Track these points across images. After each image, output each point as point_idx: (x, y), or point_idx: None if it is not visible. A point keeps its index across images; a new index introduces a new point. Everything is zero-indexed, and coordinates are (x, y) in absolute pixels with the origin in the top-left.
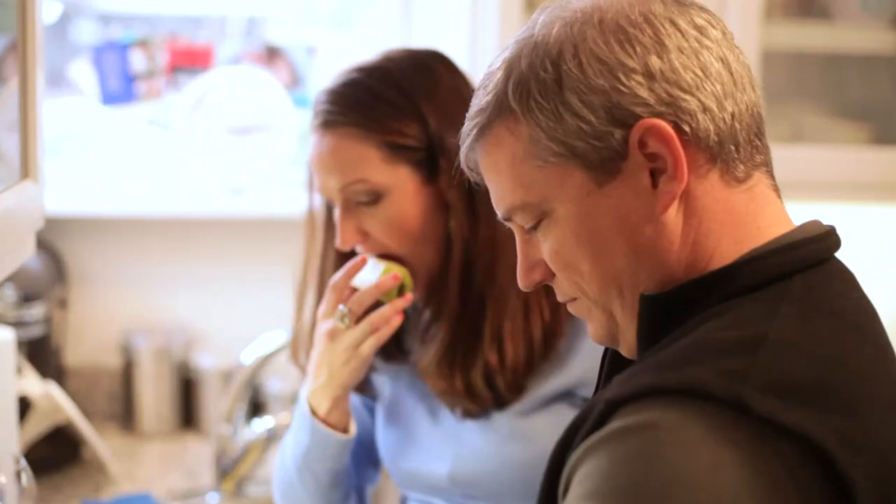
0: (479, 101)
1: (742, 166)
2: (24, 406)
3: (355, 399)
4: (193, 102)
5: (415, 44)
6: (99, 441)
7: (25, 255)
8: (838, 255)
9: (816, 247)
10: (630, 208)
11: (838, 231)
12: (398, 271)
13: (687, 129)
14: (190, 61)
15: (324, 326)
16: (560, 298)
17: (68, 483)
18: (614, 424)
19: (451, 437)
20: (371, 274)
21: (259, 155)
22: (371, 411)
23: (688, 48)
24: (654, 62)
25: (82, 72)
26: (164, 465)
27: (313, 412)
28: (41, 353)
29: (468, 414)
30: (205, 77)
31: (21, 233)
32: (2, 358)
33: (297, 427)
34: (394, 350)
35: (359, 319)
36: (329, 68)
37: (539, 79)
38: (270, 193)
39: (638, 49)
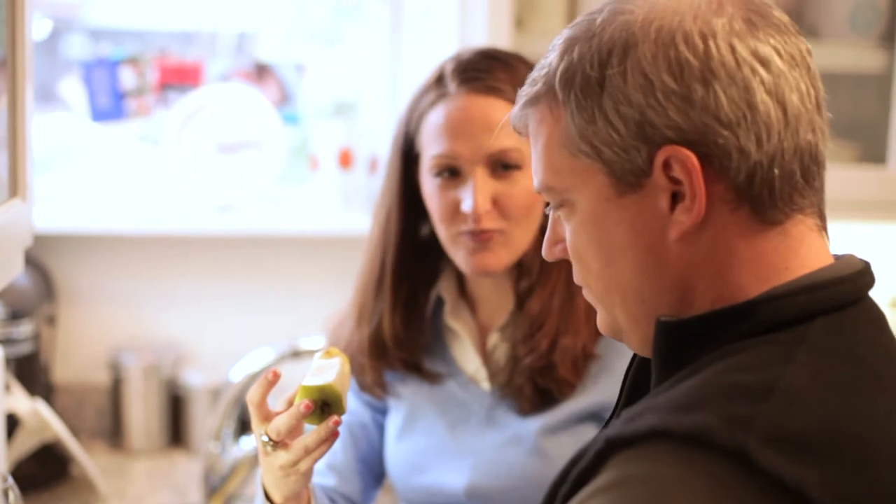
0: (537, 71)
1: (776, 211)
2: (12, 423)
3: (364, 415)
4: (183, 119)
5: (404, 60)
6: (87, 458)
7: (14, 272)
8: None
9: (844, 288)
10: (643, 226)
11: (872, 269)
12: (321, 389)
13: (716, 164)
14: (179, 78)
15: (257, 441)
16: (575, 279)
17: (56, 501)
18: (616, 472)
19: (470, 450)
20: (318, 375)
21: (248, 172)
22: (380, 427)
23: (739, 79)
24: (697, 89)
25: (72, 88)
26: (152, 483)
27: (268, 497)
28: (29, 371)
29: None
30: (194, 94)
31: (9, 250)
32: None
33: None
34: (420, 371)
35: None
36: (318, 85)
37: (584, 74)
38: (259, 211)
39: (685, 72)
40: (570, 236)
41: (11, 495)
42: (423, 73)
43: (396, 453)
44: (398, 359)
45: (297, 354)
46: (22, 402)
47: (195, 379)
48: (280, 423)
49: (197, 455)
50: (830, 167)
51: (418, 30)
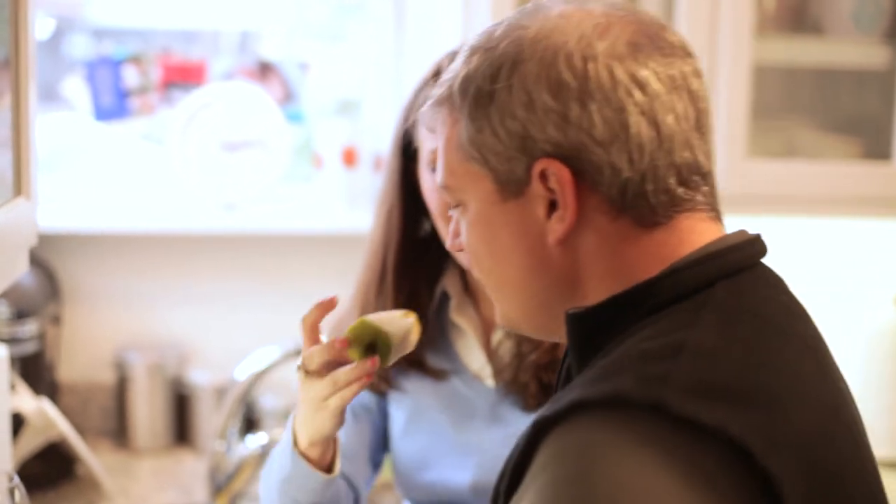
0: (446, 75)
1: (656, 216)
2: (18, 422)
3: (370, 399)
4: (186, 118)
5: (407, 58)
6: (92, 457)
7: (19, 272)
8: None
9: (738, 255)
10: (525, 231)
11: (763, 239)
12: (369, 328)
13: (589, 178)
14: (183, 77)
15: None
16: (473, 272)
17: (61, 500)
18: (548, 450)
19: (475, 447)
20: (391, 320)
21: (252, 171)
22: (383, 413)
23: (614, 101)
24: (574, 109)
25: (75, 87)
26: (157, 482)
27: (296, 441)
28: (35, 370)
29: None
30: (198, 93)
31: (14, 250)
32: None
33: (282, 448)
34: (424, 368)
35: (331, 368)
36: (322, 83)
37: (477, 86)
38: (264, 209)
39: (563, 92)
40: (464, 233)
41: (17, 494)
42: (427, 71)
43: (401, 450)
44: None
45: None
46: (27, 402)
47: (200, 378)
48: (314, 352)
49: (202, 454)
50: (835, 164)
51: (422, 27)
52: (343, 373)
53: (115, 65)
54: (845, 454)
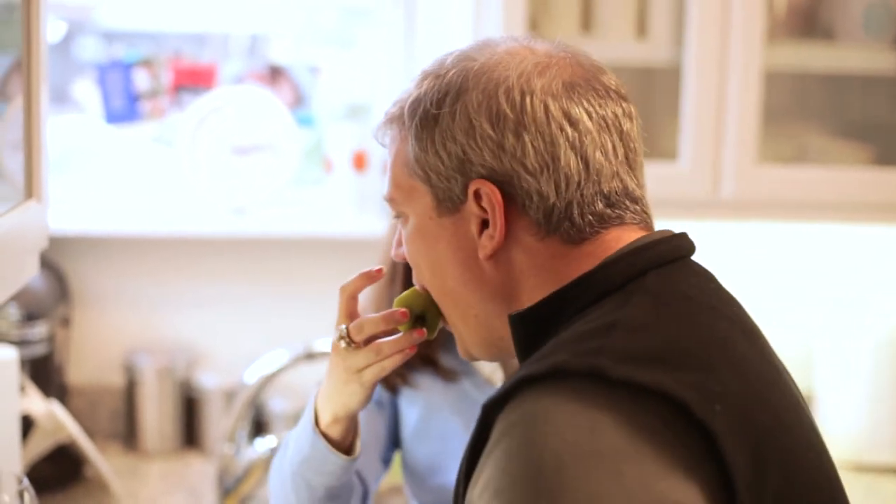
0: (399, 94)
1: (583, 234)
2: (27, 425)
3: (382, 393)
4: (197, 121)
5: (417, 62)
6: (101, 460)
7: (29, 274)
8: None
9: (666, 247)
10: (459, 245)
11: (689, 236)
12: (421, 300)
13: (519, 202)
14: (194, 80)
15: (333, 336)
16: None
17: (70, 502)
18: (499, 427)
19: None
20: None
21: (262, 174)
22: (395, 411)
23: (547, 135)
24: (509, 139)
25: (86, 90)
26: (166, 485)
27: (317, 420)
28: (44, 372)
29: None
30: (208, 96)
31: (25, 252)
32: (5, 377)
33: (301, 428)
34: (437, 367)
35: (369, 341)
36: (332, 87)
37: (425, 108)
38: (274, 212)
39: (500, 123)
40: (405, 244)
41: (27, 496)
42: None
43: (412, 453)
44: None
45: (311, 356)
46: (37, 404)
47: (209, 381)
48: (367, 323)
49: (211, 457)
50: (845, 170)
51: (432, 32)
52: (388, 343)
53: (125, 68)
54: (784, 421)
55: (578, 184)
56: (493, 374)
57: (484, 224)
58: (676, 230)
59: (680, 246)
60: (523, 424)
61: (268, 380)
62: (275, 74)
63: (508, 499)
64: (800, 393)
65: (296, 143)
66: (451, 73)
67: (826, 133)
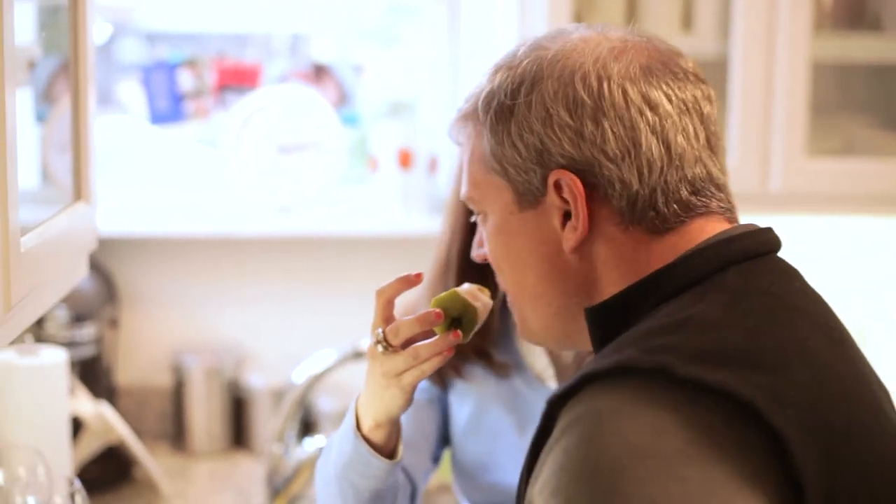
0: (471, 93)
1: (667, 224)
2: (76, 426)
3: (432, 391)
4: (241, 121)
5: (462, 59)
6: (150, 461)
7: (79, 276)
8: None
9: (750, 241)
10: (542, 239)
11: (775, 232)
12: (458, 301)
13: (601, 191)
14: (238, 80)
15: (371, 340)
16: (500, 286)
17: (119, 503)
18: (562, 423)
19: None
20: (474, 295)
21: (308, 173)
22: (444, 408)
23: (627, 120)
24: (588, 126)
25: (130, 91)
26: (215, 485)
27: (358, 424)
28: (93, 374)
29: None
30: (253, 96)
31: (74, 255)
32: (54, 379)
33: (343, 432)
34: (490, 360)
35: (406, 344)
36: (376, 85)
37: (499, 101)
38: (319, 211)
39: (578, 110)
40: (486, 243)
41: (78, 498)
42: (482, 72)
43: (463, 450)
44: (465, 344)
45: (359, 355)
46: (86, 405)
47: (257, 381)
48: (403, 325)
49: (260, 457)
50: (891, 161)
51: (476, 28)
52: (425, 346)
53: (170, 68)
54: (864, 427)
55: (661, 169)
56: (545, 372)
57: (566, 216)
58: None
59: (765, 241)
60: (584, 422)
61: (316, 379)
62: (319, 73)
63: (566, 498)
64: (889, 400)
65: (340, 142)
66: (524, 64)
67: (874, 125)
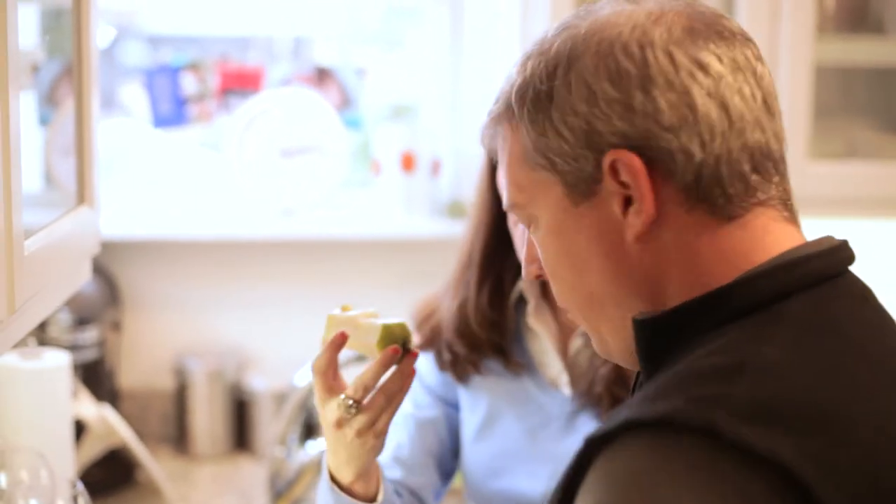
0: (499, 91)
1: (731, 206)
2: (79, 429)
3: (434, 410)
4: (244, 124)
5: (464, 61)
6: (153, 463)
7: (82, 280)
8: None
9: (819, 263)
10: (602, 231)
11: (850, 246)
12: (393, 335)
13: (662, 167)
14: (240, 83)
15: (327, 416)
16: (559, 303)
17: None
18: (597, 472)
19: (550, 456)
20: (368, 337)
21: (310, 176)
22: (449, 423)
23: (678, 85)
24: (637, 96)
25: (133, 94)
26: (217, 488)
27: (336, 481)
28: (95, 377)
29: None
30: (256, 99)
31: (78, 258)
32: (58, 381)
33: (322, 491)
34: (507, 358)
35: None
36: (379, 88)
37: (535, 89)
38: (322, 215)
39: (624, 81)
40: (541, 253)
41: (81, 501)
42: (485, 74)
43: (474, 455)
44: (483, 338)
45: (361, 358)
46: (89, 408)
47: (260, 383)
48: (366, 378)
49: (262, 460)
50: (894, 165)
51: (479, 31)
52: (391, 382)
53: (173, 72)
54: None
55: (723, 135)
56: (559, 377)
57: (626, 202)
58: (836, 236)
59: (837, 261)
60: (621, 481)
61: None
62: (321, 76)
63: None
64: None
65: (343, 145)
66: (556, 45)
67: (876, 128)
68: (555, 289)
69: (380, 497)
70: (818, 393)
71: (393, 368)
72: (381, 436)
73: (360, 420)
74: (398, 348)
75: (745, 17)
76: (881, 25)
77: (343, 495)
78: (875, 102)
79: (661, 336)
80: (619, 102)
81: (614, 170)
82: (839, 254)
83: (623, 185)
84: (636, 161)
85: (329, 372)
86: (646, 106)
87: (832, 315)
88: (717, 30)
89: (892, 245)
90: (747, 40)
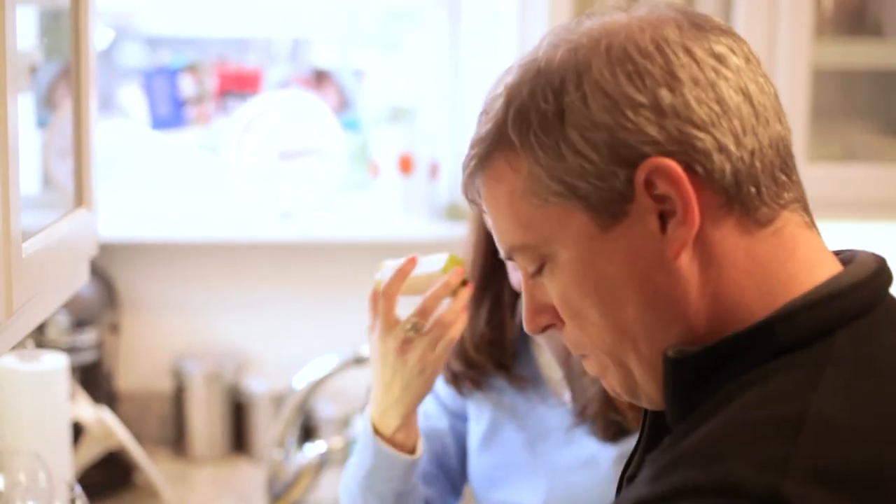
0: (479, 129)
1: (765, 208)
2: (77, 431)
3: (441, 421)
4: (242, 126)
5: (463, 64)
6: (151, 466)
7: (80, 282)
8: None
9: (862, 293)
10: (638, 255)
11: (887, 264)
12: (458, 262)
13: (700, 169)
14: (239, 85)
15: (390, 343)
16: (571, 350)
17: None
18: None
19: (548, 469)
20: (432, 267)
21: (308, 179)
22: (457, 434)
23: (703, 80)
24: (665, 96)
25: (131, 96)
26: (215, 490)
27: (377, 432)
28: (93, 379)
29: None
30: (254, 101)
31: (75, 260)
32: (55, 384)
33: (360, 447)
34: (509, 373)
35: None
36: (377, 91)
37: (540, 110)
38: (320, 217)
39: (647, 81)
40: (558, 295)
41: (79, 503)
42: (483, 77)
43: (477, 465)
44: (482, 361)
45: (360, 361)
46: (86, 410)
47: (258, 386)
48: (428, 302)
49: (260, 462)
50: (893, 167)
51: (477, 34)
52: (449, 311)
53: (171, 74)
54: None
55: (753, 128)
56: (561, 384)
57: (661, 218)
58: (869, 252)
59: (878, 287)
60: None
61: (316, 385)
62: (320, 78)
63: None
64: None
65: (341, 147)
66: (555, 61)
67: (875, 131)
68: (575, 333)
69: (418, 450)
70: (881, 448)
71: (447, 302)
72: (438, 365)
73: (424, 342)
74: (464, 269)
75: (744, 20)
76: (879, 28)
77: (385, 445)
78: (873, 105)
79: (697, 375)
80: (647, 106)
81: (649, 183)
82: (880, 279)
83: (658, 199)
84: (676, 167)
85: (396, 298)
86: (676, 105)
87: (879, 352)
88: (715, 25)
89: (890, 248)
90: (742, 40)
